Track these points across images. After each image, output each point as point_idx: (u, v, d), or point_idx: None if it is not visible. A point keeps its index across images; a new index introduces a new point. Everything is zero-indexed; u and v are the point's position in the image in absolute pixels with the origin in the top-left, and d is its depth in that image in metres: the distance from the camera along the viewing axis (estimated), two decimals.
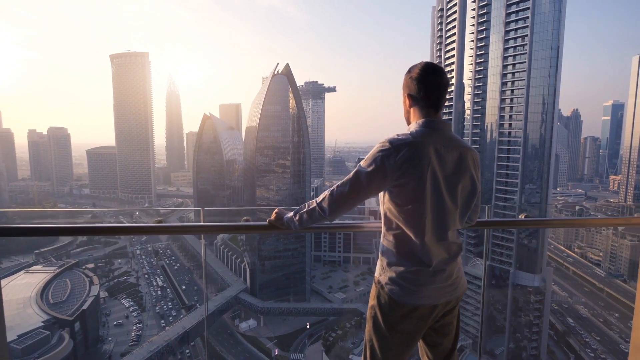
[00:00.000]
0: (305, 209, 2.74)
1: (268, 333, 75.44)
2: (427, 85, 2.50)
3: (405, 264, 2.54)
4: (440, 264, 2.54)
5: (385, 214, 2.60)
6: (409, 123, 2.66)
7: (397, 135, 2.46)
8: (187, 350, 65.42)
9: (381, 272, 2.68)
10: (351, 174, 2.52)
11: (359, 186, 2.48)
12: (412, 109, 2.61)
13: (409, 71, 2.57)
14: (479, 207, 2.96)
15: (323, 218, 2.67)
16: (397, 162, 2.34)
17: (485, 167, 78.44)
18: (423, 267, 2.51)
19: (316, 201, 2.68)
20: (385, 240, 2.64)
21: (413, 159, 2.35)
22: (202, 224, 3.61)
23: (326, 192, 2.64)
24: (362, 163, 2.49)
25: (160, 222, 3.40)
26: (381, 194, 2.60)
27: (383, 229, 2.66)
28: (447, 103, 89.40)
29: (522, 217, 3.98)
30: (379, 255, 2.73)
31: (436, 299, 2.60)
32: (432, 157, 2.39)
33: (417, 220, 2.45)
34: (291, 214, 2.88)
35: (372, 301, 2.78)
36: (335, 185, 2.61)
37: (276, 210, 3.05)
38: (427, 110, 2.54)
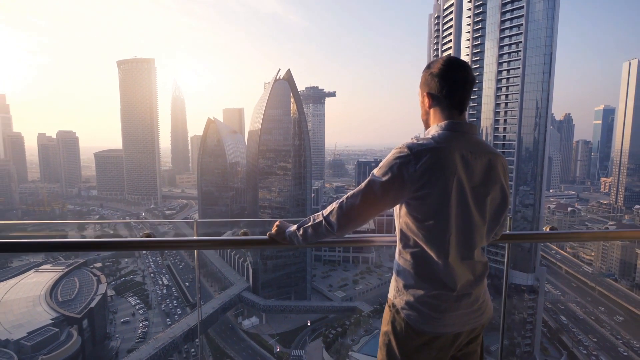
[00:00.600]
0: (310, 223, 2.42)
1: (270, 330, 75.40)
2: (451, 82, 2.18)
3: (425, 287, 2.21)
4: (466, 287, 2.23)
5: (401, 230, 2.27)
6: (427, 126, 2.33)
7: (417, 139, 2.13)
8: (192, 350, 65.54)
9: (396, 294, 2.34)
10: (363, 184, 2.20)
11: (373, 198, 2.17)
12: (432, 110, 2.29)
13: (429, 67, 2.25)
14: (506, 221, 2.68)
15: (330, 234, 2.34)
16: (417, 171, 2.03)
17: None
18: (446, 291, 2.19)
19: (323, 214, 2.35)
20: (402, 259, 2.29)
21: (436, 167, 2.04)
22: (195, 238, 3.20)
23: (334, 205, 2.31)
24: (375, 171, 2.18)
25: (149, 236, 3.00)
26: (397, 207, 2.29)
27: (399, 246, 2.32)
28: None
29: (546, 229, 3.54)
30: (394, 275, 2.39)
31: (460, 326, 2.27)
32: (458, 165, 2.08)
33: (440, 237, 2.13)
34: (294, 227, 2.55)
35: (385, 326, 2.42)
36: (345, 197, 2.27)
37: (277, 223, 2.73)
38: (451, 111, 2.23)
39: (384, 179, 2.11)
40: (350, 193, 2.25)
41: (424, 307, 2.21)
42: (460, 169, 2.08)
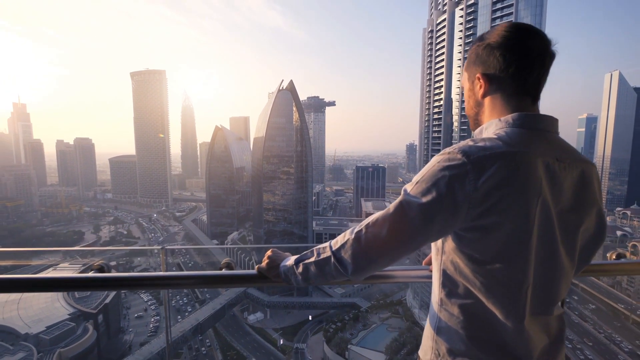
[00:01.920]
0: (313, 259, 1.63)
1: (274, 325, 75.35)
2: (521, 56, 1.40)
3: (483, 356, 1.43)
4: (542, 356, 1.43)
5: (445, 271, 1.49)
6: (478, 123, 1.59)
7: (473, 140, 1.37)
8: (204, 347, 65.52)
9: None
10: (392, 207, 1.42)
11: (407, 228, 1.38)
12: (489, 99, 1.52)
13: (481, 38, 1.50)
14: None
15: (341, 276, 1.54)
16: (479, 189, 1.27)
17: None
18: None
19: (331, 247, 1.56)
20: (445, 311, 1.50)
21: (511, 183, 1.27)
22: (160, 274, 2.16)
23: (348, 235, 1.51)
24: (409, 188, 1.40)
25: (101, 269, 2.16)
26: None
27: (439, 293, 1.53)
28: (436, 116, 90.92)
29: (611, 256, 2.30)
30: (431, 331, 1.58)
31: None
32: (543, 181, 1.32)
33: (512, 289, 1.36)
34: (291, 260, 1.75)
35: None
36: (364, 224, 1.47)
37: (269, 253, 1.92)
38: (520, 99, 1.45)
39: (425, 199, 1.33)
40: (372, 219, 1.46)
41: None
42: (545, 187, 1.32)
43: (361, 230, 1.46)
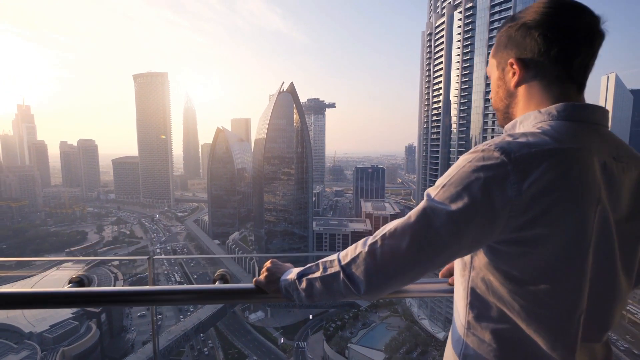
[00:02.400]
0: (318, 273, 1.36)
1: (274, 324, 75.26)
2: (568, 35, 1.12)
3: None
4: None
5: (473, 290, 1.22)
6: (509, 117, 1.32)
7: (511, 135, 1.10)
8: (206, 348, 65.51)
9: None
10: (413, 215, 1.15)
11: (433, 240, 1.11)
12: (524, 87, 1.24)
13: (513, 19, 1.23)
14: None
15: (351, 294, 1.27)
16: (523, 195, 1.01)
17: None
18: None
19: (340, 261, 1.30)
20: (473, 337, 1.23)
21: (563, 187, 1.01)
22: (145, 289, 1.83)
23: (360, 248, 1.24)
24: (433, 192, 1.14)
25: (80, 283, 1.91)
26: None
27: (467, 314, 1.25)
28: (435, 118, 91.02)
29: None
30: (457, 359, 1.30)
31: None
32: (601, 184, 1.07)
33: (561, 314, 1.09)
34: (293, 274, 1.48)
35: None
36: (379, 234, 1.21)
37: (268, 265, 1.64)
38: (564, 87, 1.18)
39: (455, 206, 1.06)
40: (388, 228, 1.19)
41: None
42: (603, 192, 1.06)
43: (376, 242, 1.19)
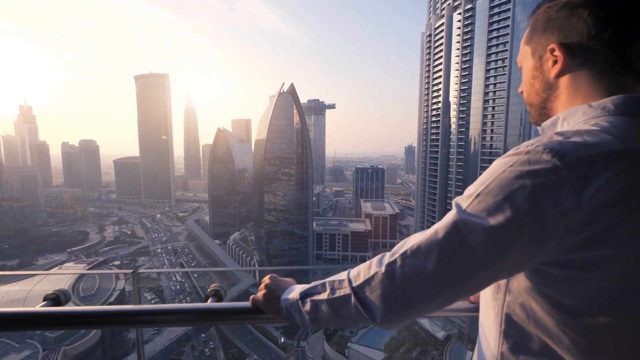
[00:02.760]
0: (326, 295, 1.14)
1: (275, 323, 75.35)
2: (625, 15, 0.90)
3: None
4: None
5: (509, 316, 0.99)
6: (543, 112, 1.11)
7: (561, 134, 0.87)
8: (207, 349, 65.51)
9: None
10: (440, 229, 0.91)
11: (467, 260, 0.87)
12: (569, 77, 1.01)
13: None
14: None
15: (364, 320, 1.04)
16: (584, 207, 0.77)
17: (469, 176, 78.62)
18: None
19: (351, 282, 1.08)
20: None
21: (635, 198, 0.77)
22: (129, 309, 1.57)
23: (375, 266, 1.02)
24: (465, 202, 0.90)
25: (56, 300, 1.63)
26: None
27: (498, 343, 1.02)
28: (434, 119, 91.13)
29: None
30: None
31: None
32: None
33: (625, 353, 0.86)
34: (296, 292, 1.25)
35: None
36: (398, 251, 0.97)
37: (267, 281, 1.42)
38: (620, 76, 0.95)
39: (495, 221, 0.83)
40: (410, 244, 0.95)
41: None
42: None
43: (395, 261, 0.97)
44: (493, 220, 0.82)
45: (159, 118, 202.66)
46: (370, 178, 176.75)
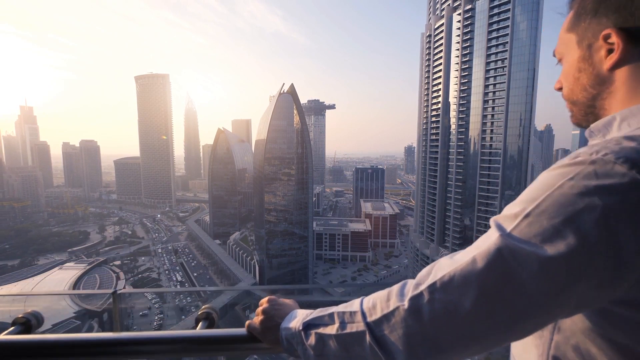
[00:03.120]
0: (334, 329, 0.92)
1: None
2: None
3: None
4: None
5: (557, 358, 0.79)
6: (591, 111, 0.89)
7: (633, 139, 0.66)
8: None
9: None
10: (479, 257, 0.69)
11: (516, 299, 0.65)
12: (628, 69, 0.79)
13: None
14: None
15: None
16: None
17: (469, 176, 78.74)
18: None
19: (364, 315, 0.86)
20: None
21: None
22: (106, 337, 1.38)
23: (395, 298, 0.80)
24: (510, 224, 0.69)
25: (26, 325, 1.46)
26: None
27: None
28: (434, 119, 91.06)
29: None
30: None
31: None
32: None
33: None
34: (298, 321, 1.05)
35: None
36: (426, 282, 0.75)
37: (265, 305, 1.22)
38: None
39: (554, 250, 0.63)
40: (440, 273, 0.74)
41: None
42: None
43: (421, 295, 0.76)
44: (551, 249, 0.63)
45: (159, 118, 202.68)
46: (370, 178, 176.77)
